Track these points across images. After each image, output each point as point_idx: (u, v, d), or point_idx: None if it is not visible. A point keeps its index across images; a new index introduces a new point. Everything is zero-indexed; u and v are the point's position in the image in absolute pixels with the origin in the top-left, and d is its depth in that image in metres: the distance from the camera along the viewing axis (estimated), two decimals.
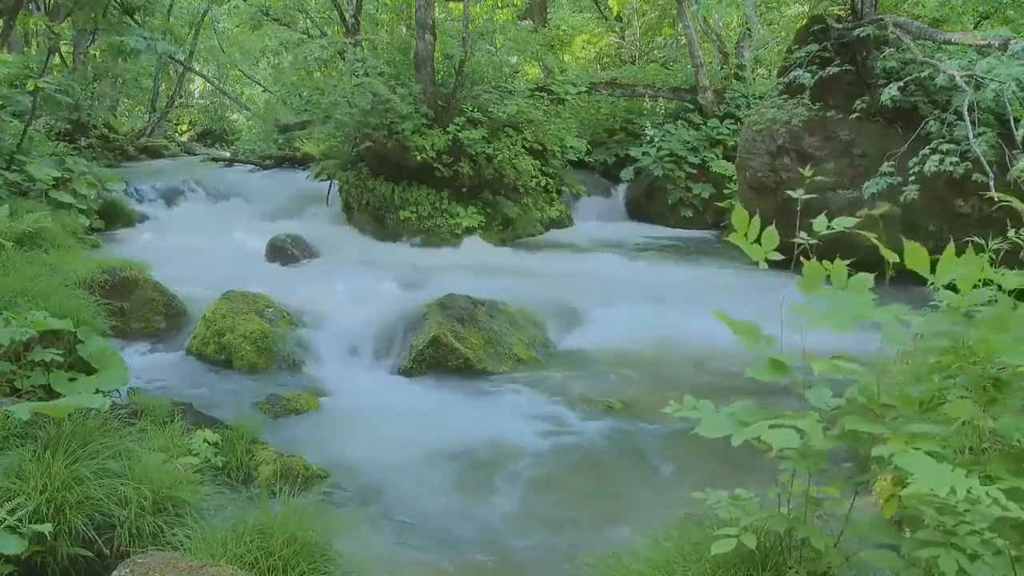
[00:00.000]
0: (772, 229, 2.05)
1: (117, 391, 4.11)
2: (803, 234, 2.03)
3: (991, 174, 6.71)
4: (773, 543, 2.15)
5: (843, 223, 2.00)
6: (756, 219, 2.07)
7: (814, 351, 2.01)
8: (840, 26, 8.78)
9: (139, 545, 2.63)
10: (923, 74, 7.32)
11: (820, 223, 2.04)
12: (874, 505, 3.16)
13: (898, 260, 1.83)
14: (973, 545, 1.65)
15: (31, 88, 7.49)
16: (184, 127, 22.62)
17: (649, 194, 12.38)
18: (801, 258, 1.95)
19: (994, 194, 2.60)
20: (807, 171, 2.28)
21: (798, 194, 2.21)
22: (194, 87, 23.87)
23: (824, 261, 1.95)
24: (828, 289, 1.91)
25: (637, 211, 12.57)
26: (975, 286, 1.86)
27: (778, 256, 2.08)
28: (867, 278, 1.89)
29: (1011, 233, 2.72)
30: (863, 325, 1.85)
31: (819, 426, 1.90)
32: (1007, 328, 1.70)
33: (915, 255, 1.78)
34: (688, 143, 12.20)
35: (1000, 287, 1.90)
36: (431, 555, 3.26)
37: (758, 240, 2.09)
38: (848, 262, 1.93)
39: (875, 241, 1.88)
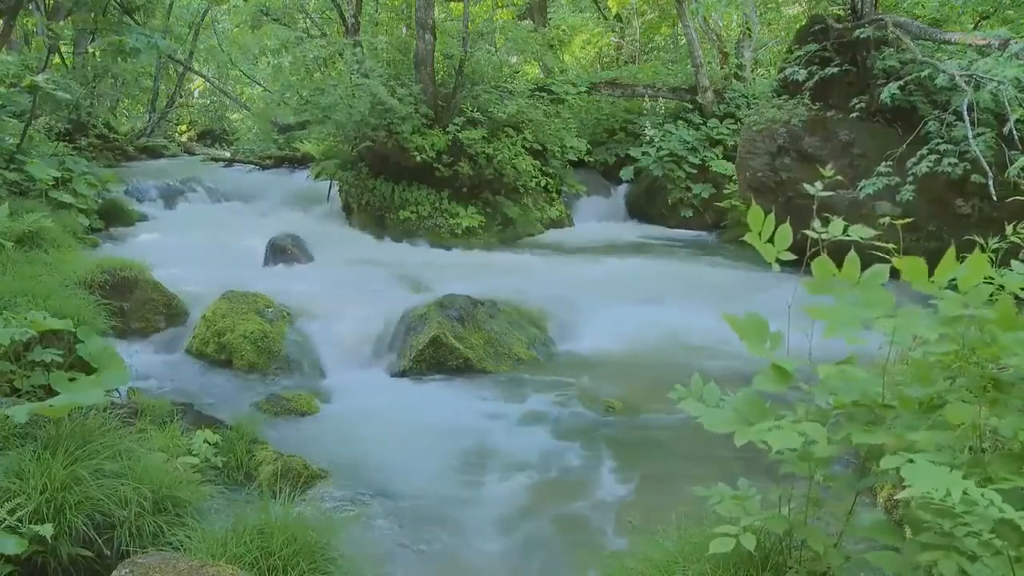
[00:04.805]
0: (786, 227, 2.03)
1: (117, 391, 4.11)
2: (814, 228, 2.01)
3: (990, 174, 6.71)
4: (773, 543, 2.15)
5: (859, 232, 1.98)
6: (771, 217, 2.05)
7: (819, 350, 2.01)
8: (840, 26, 8.78)
9: (139, 545, 2.63)
10: (923, 74, 7.32)
11: (835, 226, 2.01)
12: (875, 505, 3.16)
13: (907, 267, 1.82)
14: (972, 546, 1.65)
15: (28, 85, 7.47)
16: (184, 127, 22.60)
17: (649, 194, 12.38)
18: (809, 260, 1.93)
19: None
20: (827, 171, 2.25)
21: (815, 190, 2.20)
22: (194, 87, 23.85)
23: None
24: (839, 285, 1.89)
25: (637, 211, 12.58)
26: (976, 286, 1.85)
27: (788, 256, 2.07)
28: (882, 270, 1.86)
29: (1008, 230, 2.70)
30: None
31: (823, 431, 1.89)
32: (1014, 328, 1.70)
33: (913, 268, 1.78)
34: (688, 143, 12.20)
35: (1002, 287, 1.90)
36: (431, 555, 3.26)
37: (770, 240, 2.07)
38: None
39: (887, 254, 1.86)
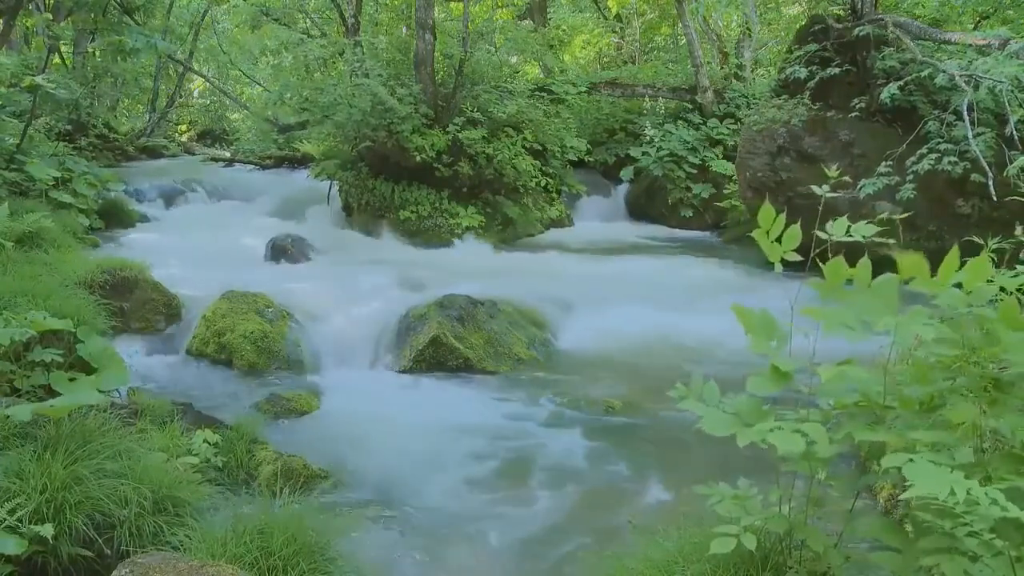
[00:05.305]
0: (796, 227, 2.03)
1: (117, 391, 4.11)
2: (828, 229, 2.00)
3: (990, 174, 6.71)
4: (773, 543, 2.15)
5: (862, 230, 1.98)
6: (781, 217, 2.04)
7: (822, 351, 2.00)
8: (840, 26, 8.79)
9: (139, 545, 2.63)
10: (923, 74, 7.32)
11: (839, 226, 2.01)
12: (875, 505, 3.16)
13: (908, 265, 1.81)
14: (972, 547, 1.65)
15: (28, 85, 7.48)
16: (184, 127, 22.60)
17: (649, 194, 12.39)
18: (817, 260, 1.92)
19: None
20: (833, 171, 2.25)
21: (822, 191, 2.20)
22: (194, 87, 23.85)
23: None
24: (849, 290, 1.89)
25: (637, 211, 12.58)
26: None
27: (791, 256, 2.06)
28: (893, 280, 1.86)
29: (1018, 231, 2.69)
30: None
31: (824, 431, 1.89)
32: (1017, 328, 1.69)
33: (914, 266, 1.77)
34: (688, 143, 12.21)
35: (1003, 288, 1.89)
36: (430, 555, 3.26)
37: (777, 239, 2.06)
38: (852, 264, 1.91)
39: (890, 251, 1.86)
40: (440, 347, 5.49)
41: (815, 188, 2.22)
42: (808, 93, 8.58)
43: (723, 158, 11.92)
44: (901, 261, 1.78)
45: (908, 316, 1.79)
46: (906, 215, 2.26)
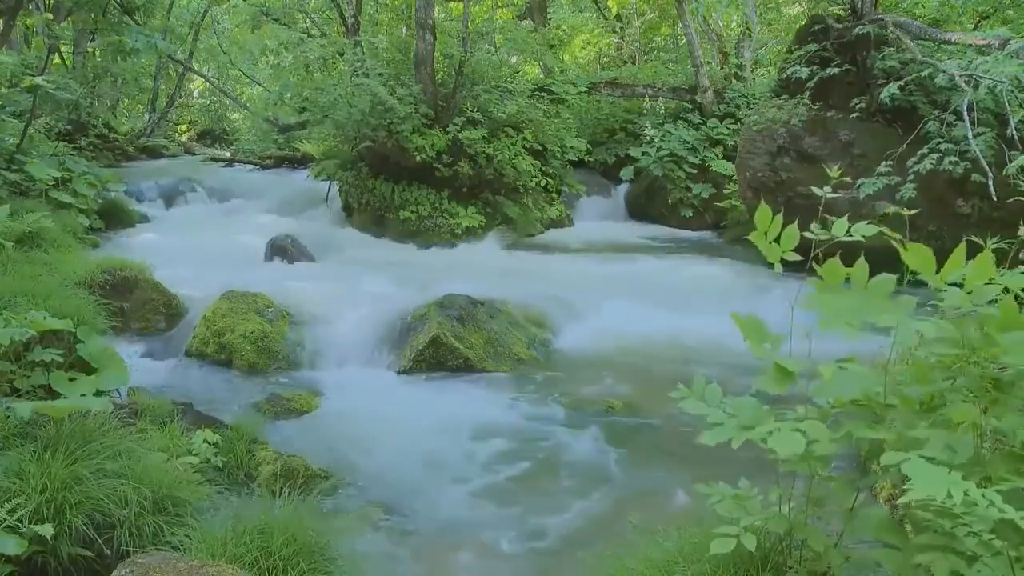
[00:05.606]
0: (793, 227, 2.03)
1: (117, 391, 4.11)
2: (814, 229, 2.00)
3: (990, 174, 6.71)
4: (773, 543, 2.15)
5: (862, 231, 1.98)
6: (779, 217, 2.04)
7: (820, 351, 2.00)
8: (840, 26, 8.79)
9: (139, 545, 2.63)
10: (923, 74, 7.32)
11: (839, 226, 2.01)
12: (875, 504, 3.16)
13: (914, 256, 1.81)
14: (972, 547, 1.65)
15: (28, 85, 7.48)
16: (184, 127, 22.60)
17: (649, 194, 12.38)
18: (814, 262, 1.93)
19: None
20: (834, 171, 2.25)
21: (823, 192, 2.20)
22: (194, 87, 23.85)
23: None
24: (846, 289, 1.89)
25: (637, 211, 12.57)
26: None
27: (791, 256, 2.06)
28: (890, 280, 1.86)
29: (1022, 231, 2.68)
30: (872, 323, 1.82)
31: (824, 428, 1.89)
32: (1014, 328, 1.69)
33: (920, 258, 1.77)
34: (688, 143, 12.20)
35: (1007, 289, 1.89)
36: (430, 555, 3.26)
37: (775, 240, 2.06)
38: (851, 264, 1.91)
39: (897, 244, 1.85)
40: (440, 347, 5.49)
41: (815, 189, 2.22)
42: (808, 93, 8.57)
43: (723, 158, 11.92)
44: (908, 250, 1.78)
45: (898, 307, 1.79)
46: (913, 212, 2.25)
